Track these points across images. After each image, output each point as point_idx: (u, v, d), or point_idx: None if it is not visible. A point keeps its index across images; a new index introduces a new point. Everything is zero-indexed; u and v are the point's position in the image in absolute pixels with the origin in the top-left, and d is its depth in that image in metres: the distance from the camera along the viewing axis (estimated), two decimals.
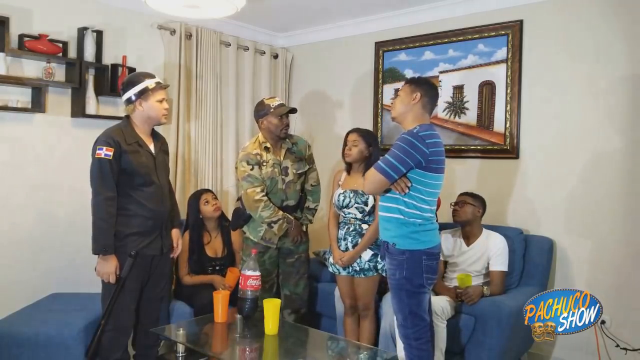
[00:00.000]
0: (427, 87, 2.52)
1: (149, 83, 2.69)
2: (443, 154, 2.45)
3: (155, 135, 2.84)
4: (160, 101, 2.72)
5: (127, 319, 2.69)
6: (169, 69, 3.95)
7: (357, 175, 3.01)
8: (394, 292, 2.49)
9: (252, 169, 3.09)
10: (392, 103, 2.63)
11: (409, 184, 2.39)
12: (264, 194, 3.09)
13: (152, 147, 2.77)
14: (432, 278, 2.47)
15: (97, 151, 2.57)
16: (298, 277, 3.29)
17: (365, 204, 2.93)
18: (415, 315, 2.44)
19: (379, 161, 2.43)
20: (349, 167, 3.07)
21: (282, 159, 3.17)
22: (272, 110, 3.11)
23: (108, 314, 2.60)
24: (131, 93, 2.68)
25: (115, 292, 2.60)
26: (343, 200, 2.99)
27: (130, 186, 2.64)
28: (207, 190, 3.55)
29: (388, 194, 2.47)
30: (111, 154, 2.56)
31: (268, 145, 3.16)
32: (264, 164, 3.12)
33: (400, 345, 2.60)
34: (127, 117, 2.75)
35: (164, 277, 2.91)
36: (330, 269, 3.11)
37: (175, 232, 2.92)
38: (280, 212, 3.11)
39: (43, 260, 3.37)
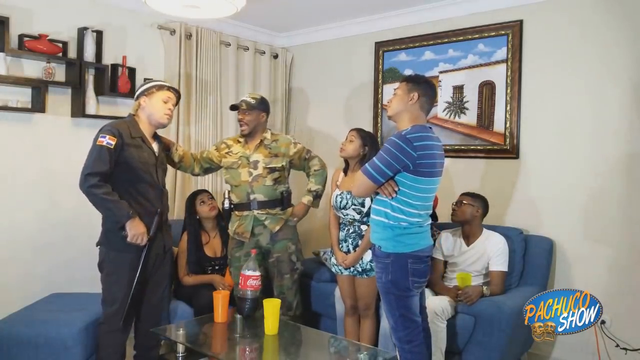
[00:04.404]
0: (425, 87, 2.46)
1: (158, 83, 2.78)
2: (437, 156, 2.38)
3: (157, 138, 2.86)
4: (165, 101, 2.74)
5: (128, 318, 2.68)
6: (169, 69, 3.95)
7: (353, 175, 3.01)
8: (382, 295, 2.47)
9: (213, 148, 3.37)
10: (388, 102, 2.55)
11: (397, 188, 2.34)
12: (202, 159, 3.28)
13: (154, 146, 2.78)
14: (419, 281, 2.42)
15: (100, 138, 2.54)
16: (280, 277, 3.22)
17: (362, 205, 2.93)
18: (405, 318, 2.41)
19: (366, 164, 2.39)
20: (346, 167, 3.08)
21: (251, 152, 3.20)
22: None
23: (136, 287, 2.62)
24: (139, 91, 2.76)
25: (143, 257, 2.61)
26: (340, 202, 2.99)
27: (130, 182, 2.62)
28: (203, 191, 3.56)
29: (378, 197, 2.45)
30: (113, 143, 2.54)
31: (240, 139, 3.29)
32: (229, 154, 3.25)
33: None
34: (132, 115, 2.77)
35: (166, 277, 2.92)
36: (332, 269, 3.12)
37: None
38: None
39: (43, 260, 3.37)
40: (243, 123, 3.18)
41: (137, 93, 2.78)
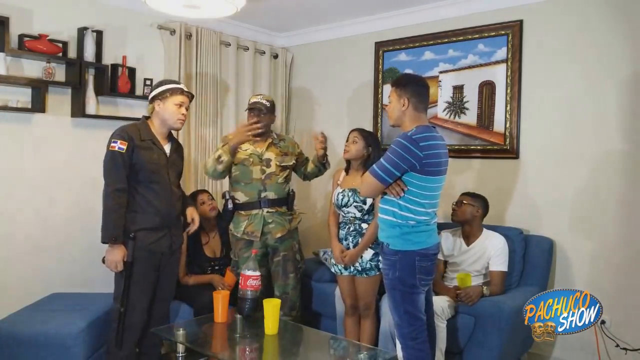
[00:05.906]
0: (413, 87, 2.48)
1: (171, 86, 2.79)
2: (442, 155, 2.43)
3: (171, 139, 2.90)
4: (179, 106, 2.77)
5: (139, 317, 2.73)
6: (169, 69, 3.95)
7: (356, 174, 3.01)
8: (388, 292, 2.51)
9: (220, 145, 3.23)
10: (386, 109, 2.61)
11: (405, 188, 2.38)
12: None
13: (166, 147, 2.83)
14: (425, 279, 2.46)
15: (112, 144, 2.65)
16: (285, 276, 3.22)
17: (364, 202, 2.94)
18: (411, 314, 2.44)
19: (374, 165, 2.43)
20: (347, 166, 3.09)
21: (264, 150, 3.21)
22: (248, 106, 3.26)
23: (125, 302, 2.66)
24: (154, 93, 2.79)
25: (126, 279, 2.65)
26: (342, 199, 2.99)
27: (138, 182, 2.69)
28: (203, 191, 3.56)
29: (386, 197, 2.48)
30: (124, 147, 2.64)
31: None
32: (239, 149, 3.17)
33: (399, 345, 2.60)
34: (146, 117, 2.85)
35: (173, 276, 2.95)
36: (332, 269, 3.12)
37: (190, 210, 2.98)
38: (220, 149, 3.10)
39: (43, 260, 3.37)
40: (256, 123, 3.14)
41: (151, 95, 2.81)
